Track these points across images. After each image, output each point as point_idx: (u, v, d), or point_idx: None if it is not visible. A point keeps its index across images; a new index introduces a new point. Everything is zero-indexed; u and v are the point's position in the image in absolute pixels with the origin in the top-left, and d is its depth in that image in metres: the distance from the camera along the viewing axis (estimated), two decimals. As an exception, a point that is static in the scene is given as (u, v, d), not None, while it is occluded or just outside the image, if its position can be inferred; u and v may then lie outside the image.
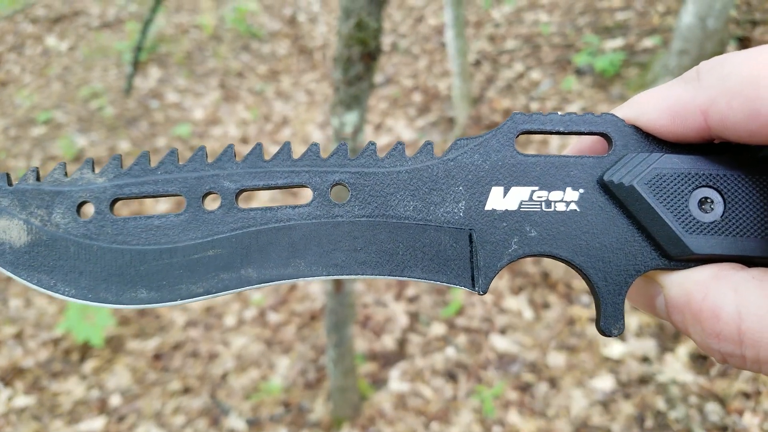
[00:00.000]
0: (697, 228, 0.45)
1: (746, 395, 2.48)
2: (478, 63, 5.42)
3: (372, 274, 0.47)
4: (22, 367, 3.18)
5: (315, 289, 3.46)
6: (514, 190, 0.48)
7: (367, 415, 2.74)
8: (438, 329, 3.12)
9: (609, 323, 0.47)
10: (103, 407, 2.97)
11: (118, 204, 0.48)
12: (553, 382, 2.76)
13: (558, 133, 0.48)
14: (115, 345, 3.29)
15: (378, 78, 5.53)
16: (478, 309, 3.17)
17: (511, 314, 3.12)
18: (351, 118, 1.94)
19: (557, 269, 3.26)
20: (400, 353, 3.05)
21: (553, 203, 0.47)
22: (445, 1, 4.28)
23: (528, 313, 3.11)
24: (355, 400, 2.71)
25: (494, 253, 0.47)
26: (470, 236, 0.48)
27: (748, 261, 0.44)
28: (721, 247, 0.45)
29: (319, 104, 5.51)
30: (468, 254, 0.48)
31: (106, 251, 0.46)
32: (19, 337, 3.36)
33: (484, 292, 0.47)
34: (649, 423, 2.50)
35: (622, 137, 0.47)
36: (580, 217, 0.47)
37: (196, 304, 3.46)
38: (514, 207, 0.47)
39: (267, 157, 0.48)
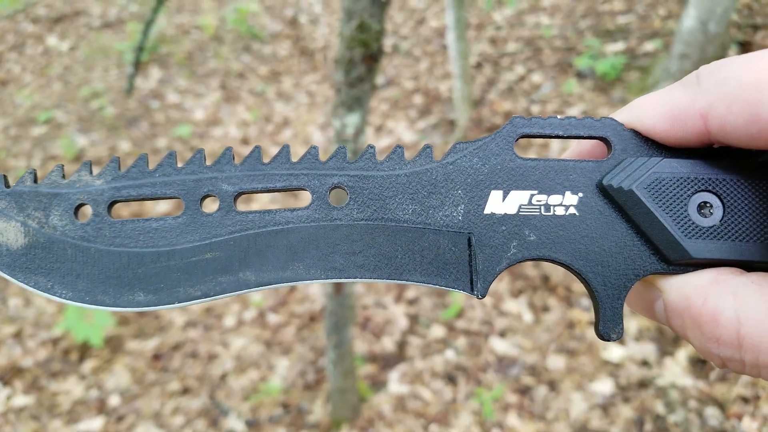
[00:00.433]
0: (696, 232, 0.45)
1: (745, 400, 2.47)
2: (479, 65, 5.42)
3: (370, 278, 0.47)
4: (21, 366, 3.18)
5: (315, 290, 3.45)
6: (513, 193, 0.47)
7: (366, 416, 2.74)
8: (438, 331, 3.11)
9: (608, 327, 0.47)
10: (102, 407, 2.96)
11: (117, 206, 0.48)
12: (553, 385, 2.76)
13: (557, 137, 0.48)
14: (114, 345, 3.29)
15: (379, 80, 5.53)
16: (477, 312, 3.17)
17: (511, 317, 3.12)
18: (352, 119, 1.94)
19: (557, 272, 3.26)
20: (399, 355, 3.05)
21: (552, 207, 0.47)
22: (446, 4, 4.29)
23: (528, 316, 3.10)
24: (354, 402, 2.71)
25: (493, 257, 0.47)
26: (469, 240, 0.47)
27: (748, 265, 0.44)
28: (720, 251, 0.45)
29: (320, 105, 5.51)
30: (467, 258, 0.47)
31: (104, 254, 0.46)
32: (18, 336, 3.36)
33: (483, 296, 0.47)
34: (649, 427, 2.50)
35: (621, 141, 0.47)
36: (579, 221, 0.47)
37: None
38: (513, 211, 0.47)
39: (266, 160, 0.48)
